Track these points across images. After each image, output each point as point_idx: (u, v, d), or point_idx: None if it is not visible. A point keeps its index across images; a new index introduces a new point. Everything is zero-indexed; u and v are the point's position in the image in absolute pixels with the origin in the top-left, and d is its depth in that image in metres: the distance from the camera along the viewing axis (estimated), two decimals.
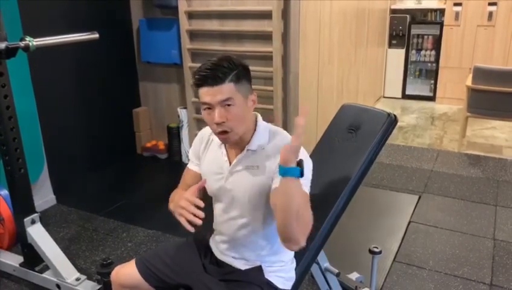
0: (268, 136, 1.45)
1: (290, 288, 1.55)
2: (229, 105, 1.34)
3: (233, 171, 1.47)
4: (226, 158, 1.49)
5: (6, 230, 2.46)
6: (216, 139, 1.52)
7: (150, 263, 1.61)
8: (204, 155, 1.57)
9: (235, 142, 1.45)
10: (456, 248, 2.75)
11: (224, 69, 1.33)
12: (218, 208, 1.57)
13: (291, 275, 1.57)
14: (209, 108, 1.36)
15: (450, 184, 3.62)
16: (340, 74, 4.45)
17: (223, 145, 1.51)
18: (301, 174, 1.20)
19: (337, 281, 2.06)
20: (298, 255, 1.63)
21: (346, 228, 2.76)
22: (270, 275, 1.50)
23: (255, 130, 1.45)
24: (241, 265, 1.52)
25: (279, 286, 1.51)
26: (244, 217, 1.48)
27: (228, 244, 1.55)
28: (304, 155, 1.35)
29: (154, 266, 1.60)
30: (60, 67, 3.45)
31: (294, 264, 1.59)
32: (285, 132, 1.49)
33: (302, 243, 1.27)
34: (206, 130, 1.60)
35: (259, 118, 1.49)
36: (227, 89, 1.33)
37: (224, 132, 1.37)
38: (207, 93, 1.34)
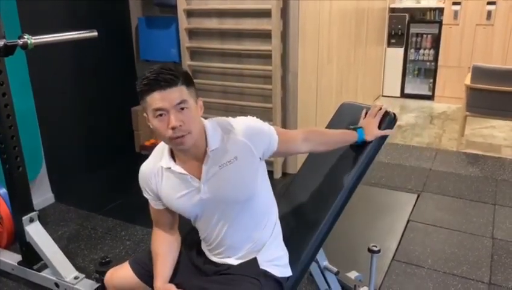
0: (220, 129, 1.43)
1: (288, 276, 1.56)
2: (182, 108, 1.30)
3: (208, 178, 1.42)
4: (189, 175, 1.42)
5: (4, 228, 2.45)
6: (165, 165, 1.44)
7: (144, 263, 1.60)
8: (161, 188, 1.48)
9: (190, 150, 1.39)
10: (455, 246, 2.75)
11: (174, 72, 1.30)
12: (198, 224, 1.54)
13: (285, 262, 1.58)
14: (160, 115, 1.30)
15: (448, 183, 3.62)
16: (339, 73, 4.45)
17: (176, 166, 1.43)
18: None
19: (336, 280, 2.06)
20: (297, 254, 1.63)
21: (345, 227, 2.76)
22: (266, 265, 1.50)
23: (205, 133, 1.41)
24: (236, 261, 1.52)
25: (277, 274, 1.51)
26: (229, 222, 1.47)
27: (218, 251, 1.54)
28: (255, 122, 1.49)
29: (149, 265, 1.57)
30: (59, 65, 3.44)
31: (286, 252, 1.61)
32: (229, 119, 1.49)
33: None
34: (146, 166, 1.52)
35: (203, 119, 1.44)
36: (180, 91, 1.30)
37: (181, 136, 1.31)
38: (160, 98, 1.28)
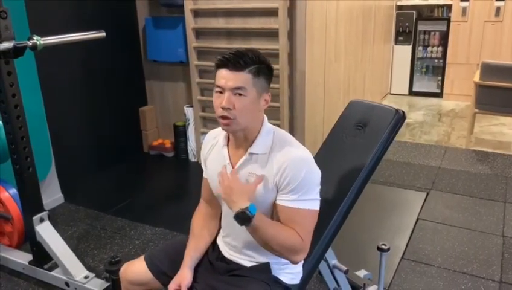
0: (272, 141, 1.42)
1: (298, 282, 1.55)
2: (240, 94, 1.33)
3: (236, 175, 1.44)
4: (229, 160, 1.47)
5: (15, 228, 2.47)
6: (220, 140, 1.51)
7: (159, 259, 1.61)
8: (208, 157, 1.57)
9: (238, 139, 1.43)
10: (465, 245, 2.73)
11: (248, 59, 1.33)
12: (223, 209, 1.56)
13: (299, 270, 1.56)
14: (220, 92, 1.35)
15: (458, 181, 3.60)
16: (347, 71, 4.43)
17: (225, 146, 1.49)
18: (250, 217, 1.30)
19: (346, 279, 2.05)
20: None
21: (354, 226, 2.75)
22: (278, 272, 1.49)
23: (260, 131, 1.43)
24: (248, 263, 1.51)
25: (287, 282, 1.50)
26: None
27: (235, 247, 1.54)
28: (308, 167, 1.37)
29: (164, 263, 1.60)
30: (67, 66, 3.46)
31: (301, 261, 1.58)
32: (290, 138, 1.46)
33: (294, 258, 1.39)
34: (211, 133, 1.59)
35: (266, 119, 1.46)
36: (243, 78, 1.33)
37: (227, 118, 1.35)
38: (223, 76, 1.34)
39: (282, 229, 1.37)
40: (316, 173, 1.41)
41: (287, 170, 1.36)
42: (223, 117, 1.36)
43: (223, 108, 1.34)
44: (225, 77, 1.33)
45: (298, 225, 1.38)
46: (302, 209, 1.37)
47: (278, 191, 1.39)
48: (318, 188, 1.41)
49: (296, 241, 1.36)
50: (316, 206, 1.40)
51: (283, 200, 1.38)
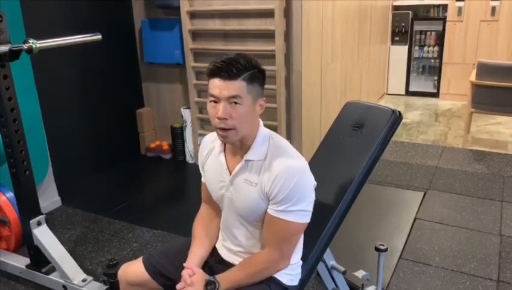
0: (267, 146, 1.41)
1: (296, 284, 1.55)
2: (236, 103, 1.31)
3: (233, 182, 1.45)
4: (226, 167, 1.46)
5: (12, 232, 2.47)
6: (217, 146, 1.50)
7: (157, 261, 1.62)
8: (206, 162, 1.56)
9: (235, 146, 1.43)
10: (463, 244, 2.74)
11: (240, 66, 1.30)
12: (223, 213, 1.57)
13: (298, 272, 1.57)
14: (215, 101, 1.32)
15: (455, 180, 3.61)
16: (344, 72, 4.44)
17: (222, 153, 1.48)
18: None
19: (344, 279, 2.05)
20: (304, 254, 1.62)
21: (351, 226, 2.75)
22: (277, 273, 1.49)
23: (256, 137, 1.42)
24: None
25: (287, 283, 1.51)
26: (246, 227, 1.48)
27: (233, 251, 1.54)
28: (298, 178, 1.35)
29: (161, 264, 1.60)
30: (63, 68, 3.46)
31: (300, 262, 1.59)
32: (286, 145, 1.44)
33: (278, 270, 1.47)
34: (208, 138, 1.58)
35: (261, 124, 1.44)
36: (238, 86, 1.30)
37: (224, 129, 1.33)
38: (217, 86, 1.30)
39: (250, 263, 1.44)
40: (307, 185, 1.38)
41: (276, 179, 1.34)
42: (221, 129, 1.33)
43: (219, 118, 1.31)
44: (219, 86, 1.30)
45: (277, 237, 1.40)
46: (286, 220, 1.36)
47: (268, 200, 1.38)
48: (309, 199, 1.38)
49: (267, 262, 1.42)
50: (303, 219, 1.38)
51: (271, 209, 1.38)
